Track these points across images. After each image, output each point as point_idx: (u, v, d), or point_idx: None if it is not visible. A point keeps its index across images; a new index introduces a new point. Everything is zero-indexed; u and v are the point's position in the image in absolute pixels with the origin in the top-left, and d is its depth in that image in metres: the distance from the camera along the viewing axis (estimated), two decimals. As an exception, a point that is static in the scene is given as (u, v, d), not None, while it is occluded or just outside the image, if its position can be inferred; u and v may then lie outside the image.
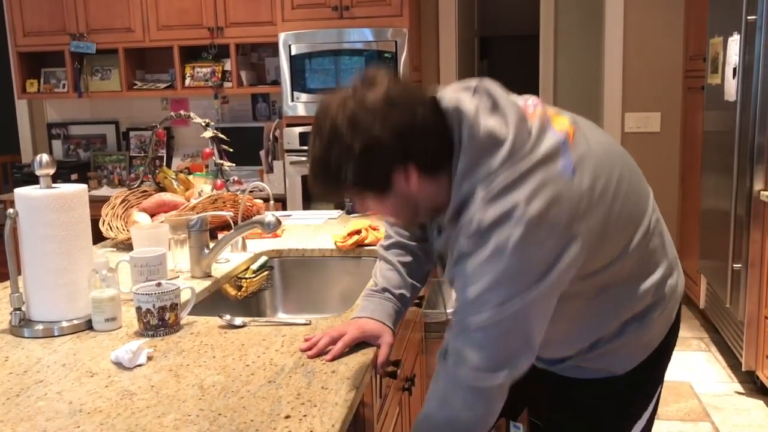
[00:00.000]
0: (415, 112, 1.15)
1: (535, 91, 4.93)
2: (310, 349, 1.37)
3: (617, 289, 1.30)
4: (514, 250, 1.12)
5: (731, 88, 3.24)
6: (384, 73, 1.19)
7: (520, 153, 1.15)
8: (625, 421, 1.44)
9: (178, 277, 1.92)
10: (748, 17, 3.01)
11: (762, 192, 3.01)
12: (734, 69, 3.19)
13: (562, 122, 1.25)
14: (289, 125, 4.16)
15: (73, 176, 4.62)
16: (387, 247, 1.54)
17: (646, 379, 1.41)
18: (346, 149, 1.14)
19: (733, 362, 3.42)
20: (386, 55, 4.00)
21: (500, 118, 1.18)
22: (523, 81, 6.66)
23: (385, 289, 1.48)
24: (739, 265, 3.16)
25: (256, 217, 1.89)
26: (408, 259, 1.52)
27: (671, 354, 1.48)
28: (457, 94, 1.23)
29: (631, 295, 1.32)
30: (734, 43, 3.18)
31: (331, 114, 1.16)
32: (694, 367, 3.43)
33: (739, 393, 3.17)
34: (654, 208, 1.37)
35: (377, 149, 1.14)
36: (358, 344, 1.40)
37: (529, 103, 1.26)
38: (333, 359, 1.34)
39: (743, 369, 3.19)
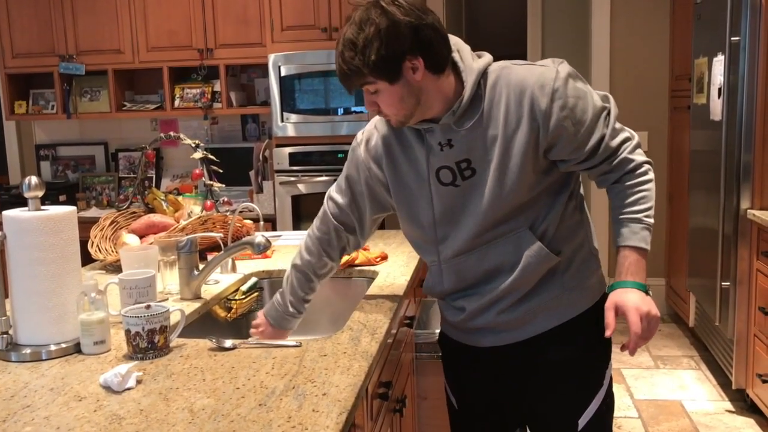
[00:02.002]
0: (434, 19, 1.41)
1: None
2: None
3: (577, 194, 1.57)
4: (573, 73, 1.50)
5: (717, 107, 3.27)
6: None
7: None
8: (601, 363, 1.59)
9: (167, 299, 1.91)
10: (732, 38, 3.05)
11: (749, 210, 3.04)
12: (719, 89, 3.23)
13: None
14: (278, 146, 4.17)
15: (62, 197, 4.59)
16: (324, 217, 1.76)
17: (601, 320, 1.51)
18: (373, 30, 1.36)
19: (723, 380, 3.42)
20: (375, 75, 4.02)
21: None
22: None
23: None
24: (728, 283, 3.17)
25: (246, 238, 1.89)
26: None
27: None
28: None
29: (583, 208, 1.60)
30: (719, 63, 3.23)
31: (366, 5, 1.39)
32: (685, 386, 3.44)
33: (730, 411, 3.17)
34: None
35: (398, 32, 1.36)
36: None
37: None
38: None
39: (733, 387, 3.20)
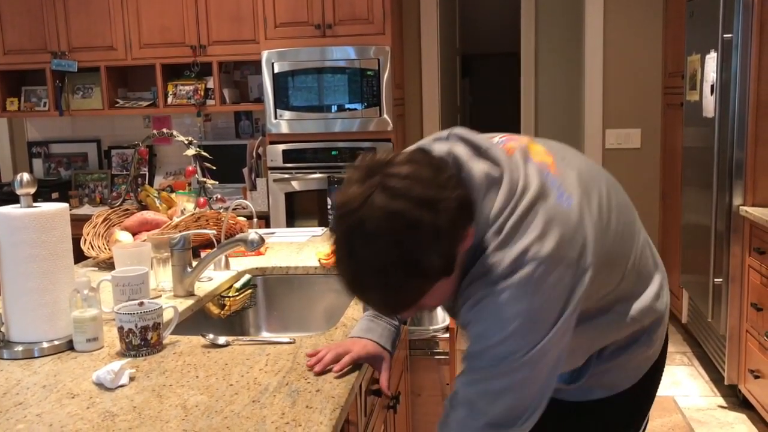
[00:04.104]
0: (451, 172, 1.09)
1: (516, 108, 4.98)
2: (315, 364, 1.37)
3: (622, 305, 1.30)
4: (533, 293, 1.08)
5: (709, 104, 3.29)
6: (383, 153, 1.11)
7: (516, 191, 1.12)
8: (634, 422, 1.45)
9: (160, 296, 1.91)
10: (725, 35, 3.06)
11: (741, 207, 3.05)
12: (712, 86, 3.24)
13: (538, 151, 1.22)
14: (272, 143, 4.16)
15: (54, 195, 4.57)
16: None
17: (644, 394, 1.43)
18: (431, 231, 1.02)
19: (715, 376, 3.44)
20: (369, 72, 4.02)
21: (487, 159, 1.15)
22: (505, 98, 6.75)
23: (381, 319, 1.47)
24: (720, 280, 3.19)
25: (240, 235, 1.89)
26: None
27: (664, 367, 1.50)
28: (438, 146, 1.19)
29: (633, 310, 1.31)
30: (711, 60, 3.23)
31: (375, 208, 1.01)
32: (678, 382, 3.45)
33: (722, 407, 3.19)
34: (640, 221, 1.39)
35: (453, 217, 1.04)
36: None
37: (498, 140, 1.24)
38: (341, 371, 1.35)
39: (726, 383, 3.21)
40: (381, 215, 1.01)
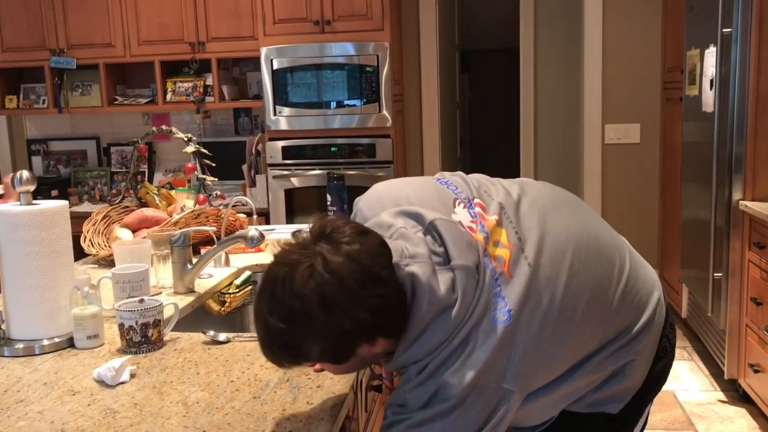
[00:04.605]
0: (389, 288, 1.09)
1: (515, 103, 4.97)
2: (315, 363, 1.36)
3: (588, 364, 1.25)
4: (448, 420, 1.09)
5: (709, 99, 3.28)
6: (342, 228, 1.10)
7: (462, 320, 1.11)
8: None
9: (160, 293, 1.91)
10: (724, 30, 3.06)
11: (741, 201, 3.05)
12: (711, 80, 3.24)
13: (501, 241, 1.19)
14: (271, 139, 4.16)
15: (54, 192, 4.57)
16: None
17: (638, 403, 1.38)
18: (316, 329, 1.06)
19: (715, 371, 3.44)
20: (368, 68, 4.01)
21: (449, 277, 1.12)
22: (504, 94, 6.75)
23: None
24: (720, 274, 3.19)
25: (239, 232, 1.89)
26: None
27: (666, 375, 1.45)
28: (412, 238, 1.16)
29: (603, 363, 1.27)
30: (711, 55, 3.23)
31: (296, 283, 1.05)
32: (678, 376, 3.45)
33: (722, 401, 3.19)
34: (620, 274, 1.29)
35: (353, 330, 1.07)
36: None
37: (469, 219, 1.21)
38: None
39: (725, 377, 3.22)
40: (289, 289, 1.05)
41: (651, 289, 1.37)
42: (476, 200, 1.25)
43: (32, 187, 1.51)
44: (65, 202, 1.55)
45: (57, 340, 1.51)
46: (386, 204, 1.27)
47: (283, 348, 1.10)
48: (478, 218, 1.22)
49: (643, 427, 1.47)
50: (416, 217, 1.20)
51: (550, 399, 1.26)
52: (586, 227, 1.29)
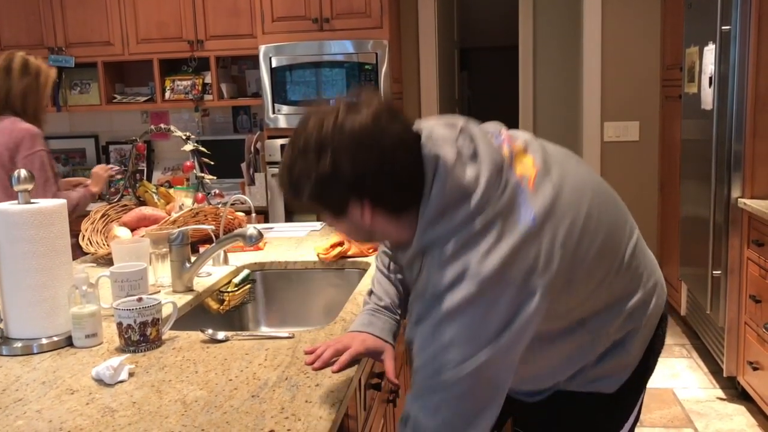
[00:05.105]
0: (386, 157, 1.13)
1: (515, 101, 4.97)
2: (314, 361, 1.36)
3: (592, 322, 1.29)
4: (467, 311, 1.10)
5: (708, 96, 3.28)
6: (373, 100, 1.16)
7: (484, 208, 1.13)
8: (611, 429, 1.44)
9: (159, 291, 1.91)
10: (723, 27, 3.06)
11: (740, 199, 3.05)
12: (710, 78, 3.24)
13: (525, 164, 1.22)
14: (270, 137, 4.16)
15: (52, 191, 4.56)
16: (386, 265, 1.51)
17: (631, 390, 1.41)
18: (307, 168, 1.13)
19: (714, 368, 3.44)
20: (367, 66, 4.01)
21: (476, 169, 1.16)
22: (503, 91, 6.74)
23: (386, 307, 1.47)
24: (719, 272, 3.19)
25: (238, 230, 1.88)
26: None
27: (655, 365, 1.47)
28: (443, 132, 1.20)
29: (607, 326, 1.30)
30: (710, 52, 3.23)
31: (307, 129, 1.15)
32: (677, 374, 3.46)
33: (721, 399, 3.19)
34: (631, 234, 1.34)
35: (334, 180, 1.13)
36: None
37: (496, 139, 1.24)
38: (340, 370, 1.34)
39: (724, 375, 3.22)
40: (302, 128, 1.16)
41: (653, 269, 1.41)
42: (503, 133, 1.28)
43: (30, 186, 1.51)
44: (63, 201, 1.55)
45: (55, 338, 1.51)
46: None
47: (287, 181, 1.18)
48: (506, 141, 1.25)
49: (635, 422, 1.48)
50: (449, 123, 1.24)
51: (559, 350, 1.29)
52: (603, 182, 1.35)
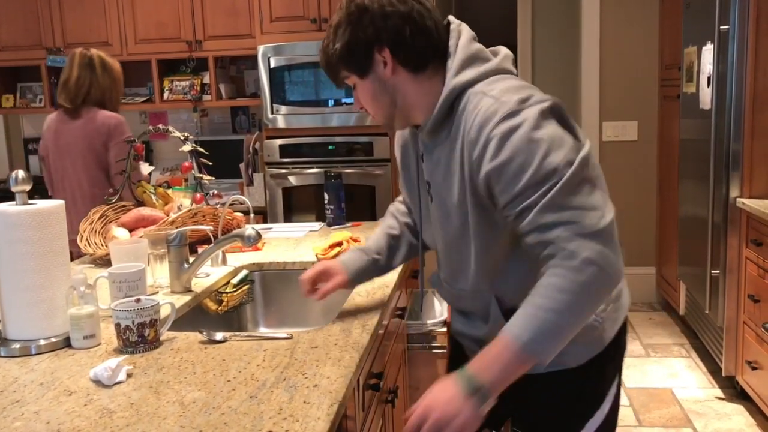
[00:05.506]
0: (413, 8, 1.28)
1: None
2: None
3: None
4: (547, 120, 1.22)
5: (706, 96, 3.28)
6: None
7: (505, 68, 1.34)
8: (578, 416, 1.45)
9: (157, 292, 1.91)
10: (721, 27, 3.06)
11: (738, 199, 3.05)
12: (708, 78, 3.24)
13: None
14: (269, 137, 4.16)
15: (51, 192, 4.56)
16: (398, 210, 1.66)
17: (598, 376, 1.44)
18: (344, 12, 1.30)
19: (713, 368, 3.45)
20: (365, 66, 4.00)
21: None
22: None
23: (362, 250, 1.64)
24: (717, 272, 3.19)
25: (236, 231, 1.88)
26: (406, 220, 1.64)
27: (623, 357, 1.52)
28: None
29: None
30: (708, 52, 3.23)
31: None
32: (675, 373, 3.46)
33: (720, 398, 3.20)
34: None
35: (362, 19, 1.28)
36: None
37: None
38: (323, 297, 1.61)
39: (723, 374, 3.22)
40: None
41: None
42: None
43: (28, 187, 1.51)
44: (61, 202, 1.55)
45: (53, 340, 1.51)
46: None
47: (326, 40, 1.34)
48: None
49: (614, 404, 1.50)
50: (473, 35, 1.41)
51: (517, 256, 1.34)
52: None
